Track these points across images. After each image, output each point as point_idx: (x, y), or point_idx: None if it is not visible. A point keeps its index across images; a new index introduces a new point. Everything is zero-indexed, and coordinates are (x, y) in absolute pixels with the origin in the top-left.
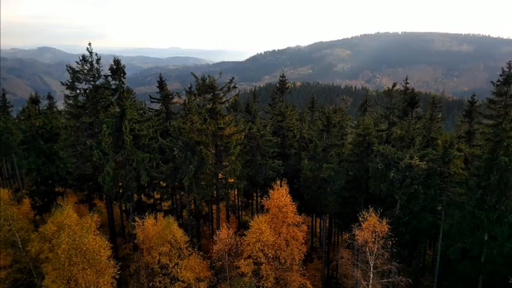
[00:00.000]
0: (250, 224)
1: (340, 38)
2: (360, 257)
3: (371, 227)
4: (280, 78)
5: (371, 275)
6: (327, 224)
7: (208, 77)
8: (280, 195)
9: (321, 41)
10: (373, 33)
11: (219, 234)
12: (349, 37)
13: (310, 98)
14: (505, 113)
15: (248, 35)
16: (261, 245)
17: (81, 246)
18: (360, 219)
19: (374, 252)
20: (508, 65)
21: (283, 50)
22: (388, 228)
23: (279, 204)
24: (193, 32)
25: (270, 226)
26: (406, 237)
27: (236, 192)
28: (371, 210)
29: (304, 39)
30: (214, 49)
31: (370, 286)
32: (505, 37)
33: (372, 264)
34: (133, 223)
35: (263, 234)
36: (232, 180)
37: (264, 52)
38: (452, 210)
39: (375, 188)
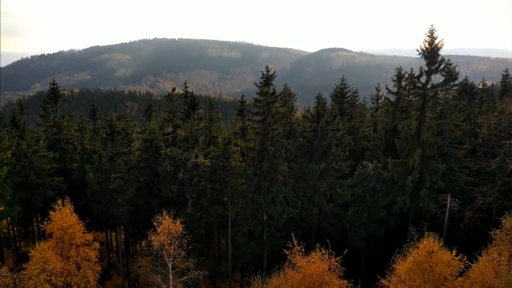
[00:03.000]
0: (31, 254)
1: (118, 42)
2: (159, 261)
3: (166, 229)
4: (51, 86)
5: (171, 277)
6: (123, 236)
7: None
8: (64, 215)
9: (98, 45)
10: (151, 38)
11: None
12: (127, 41)
13: (91, 105)
14: (268, 109)
15: (6, 35)
16: (47, 275)
17: None
18: (155, 224)
19: (171, 254)
20: (266, 69)
21: (54, 54)
22: (183, 227)
23: (63, 225)
24: None
25: (56, 252)
26: (201, 232)
27: (9, 221)
28: (164, 213)
29: (78, 43)
30: None
31: (170, 287)
32: (263, 44)
33: (170, 266)
34: None
35: (48, 262)
36: (2, 208)
37: (31, 56)
38: (236, 199)
39: (167, 191)
